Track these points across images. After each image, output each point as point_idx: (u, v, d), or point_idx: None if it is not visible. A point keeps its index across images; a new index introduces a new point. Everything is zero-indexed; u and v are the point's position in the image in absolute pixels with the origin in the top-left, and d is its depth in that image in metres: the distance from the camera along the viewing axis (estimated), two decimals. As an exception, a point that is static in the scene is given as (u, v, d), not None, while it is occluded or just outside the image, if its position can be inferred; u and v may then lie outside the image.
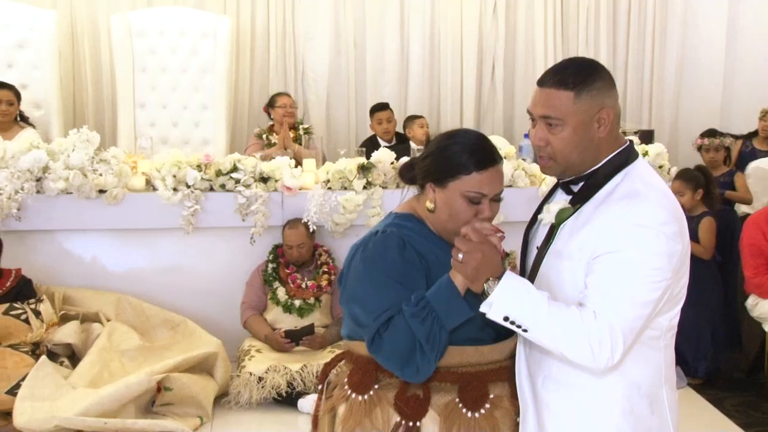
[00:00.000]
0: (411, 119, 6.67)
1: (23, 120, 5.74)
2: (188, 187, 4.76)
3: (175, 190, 4.76)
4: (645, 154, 5.19)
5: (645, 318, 1.97)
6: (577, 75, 2.03)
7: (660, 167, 5.22)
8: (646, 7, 7.69)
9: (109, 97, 6.80)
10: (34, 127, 5.76)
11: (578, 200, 2.10)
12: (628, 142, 2.12)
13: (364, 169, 4.94)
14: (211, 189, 4.86)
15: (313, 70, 7.26)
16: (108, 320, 4.59)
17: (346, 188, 4.93)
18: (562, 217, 2.10)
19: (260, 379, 4.37)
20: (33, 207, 4.64)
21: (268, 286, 4.85)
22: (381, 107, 6.63)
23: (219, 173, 4.83)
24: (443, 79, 7.39)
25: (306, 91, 7.29)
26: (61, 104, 6.24)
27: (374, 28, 7.34)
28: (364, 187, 4.91)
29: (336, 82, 7.32)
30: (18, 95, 5.65)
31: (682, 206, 4.88)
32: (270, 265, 4.89)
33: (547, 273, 2.09)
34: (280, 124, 6.09)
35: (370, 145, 6.23)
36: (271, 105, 6.28)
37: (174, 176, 4.76)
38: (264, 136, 6.15)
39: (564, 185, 2.15)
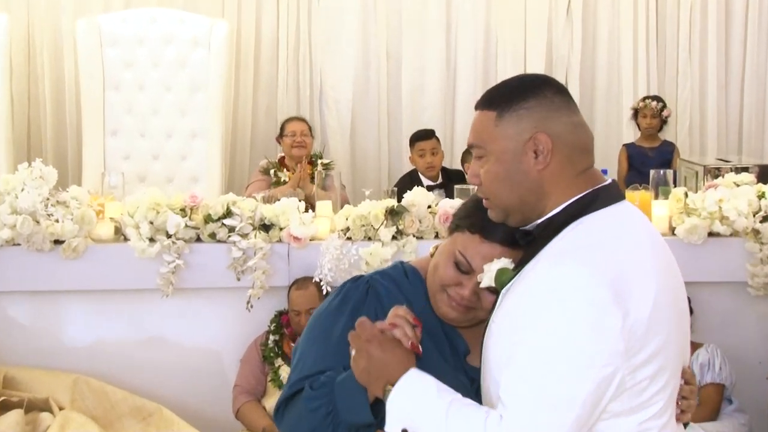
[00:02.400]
0: (470, 153, 6.67)
1: None
2: (169, 236, 4.79)
3: (151, 240, 4.79)
4: (761, 195, 5.10)
5: (574, 420, 1.85)
6: (507, 92, 2.06)
7: (782, 212, 5.13)
8: (768, 5, 7.66)
9: (74, 122, 6.93)
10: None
11: (524, 259, 2.05)
12: (606, 182, 2.05)
13: (393, 215, 4.93)
14: (198, 239, 4.89)
15: (334, 88, 7.34)
16: (61, 408, 4.59)
17: (370, 238, 4.92)
18: (502, 279, 2.07)
19: (255, 486, 4.35)
20: (-31, 262, 4.71)
21: (269, 364, 4.83)
22: (424, 135, 6.70)
23: (208, 219, 4.85)
24: (501, 99, 7.40)
25: (325, 114, 7.35)
26: (11, 132, 6.36)
27: (412, 36, 7.41)
28: (394, 237, 4.90)
29: (363, 103, 7.39)
30: None
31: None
32: (271, 338, 4.88)
33: (488, 349, 2.07)
34: (290, 157, 6.12)
35: (409, 182, 6.23)
36: (281, 133, 6.34)
37: (151, 223, 4.79)
38: (272, 171, 6.19)
39: (521, 236, 2.09)
